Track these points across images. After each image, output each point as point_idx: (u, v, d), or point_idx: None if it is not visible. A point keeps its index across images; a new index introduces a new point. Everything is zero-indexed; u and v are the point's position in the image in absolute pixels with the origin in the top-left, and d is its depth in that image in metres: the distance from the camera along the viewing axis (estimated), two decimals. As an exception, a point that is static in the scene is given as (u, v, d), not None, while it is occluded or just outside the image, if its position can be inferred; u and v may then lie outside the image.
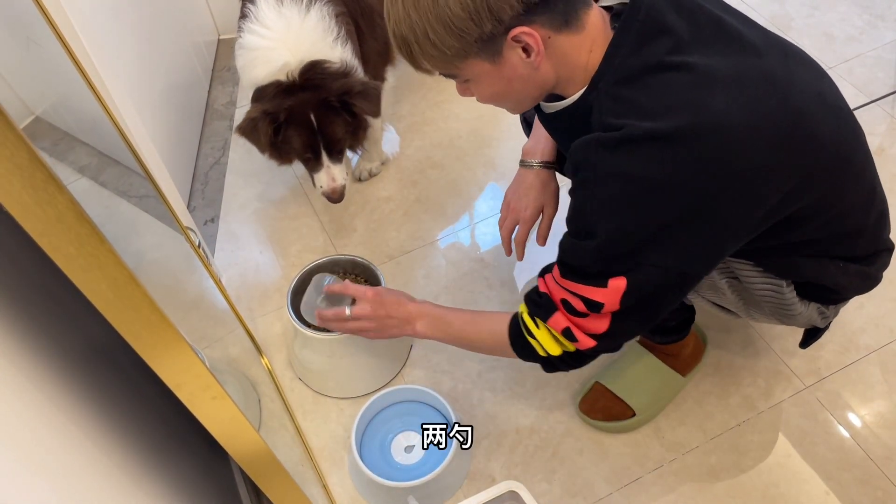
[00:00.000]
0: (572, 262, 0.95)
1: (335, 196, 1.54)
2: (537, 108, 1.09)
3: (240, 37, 1.53)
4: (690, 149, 0.84)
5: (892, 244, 1.13)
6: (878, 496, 1.26)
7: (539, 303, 1.02)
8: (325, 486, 1.34)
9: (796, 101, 0.90)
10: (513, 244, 1.33)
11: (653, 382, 1.36)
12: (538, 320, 1.03)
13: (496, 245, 1.69)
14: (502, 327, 1.09)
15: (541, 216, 1.31)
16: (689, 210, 0.86)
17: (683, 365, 1.38)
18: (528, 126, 1.37)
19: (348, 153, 1.64)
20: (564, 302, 0.98)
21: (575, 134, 0.94)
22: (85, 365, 0.83)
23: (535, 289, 1.04)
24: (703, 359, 1.42)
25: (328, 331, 1.39)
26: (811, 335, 1.22)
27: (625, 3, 0.94)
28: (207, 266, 1.34)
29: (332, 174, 1.51)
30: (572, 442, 1.37)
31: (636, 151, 0.85)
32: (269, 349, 1.55)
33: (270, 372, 1.50)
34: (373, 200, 1.79)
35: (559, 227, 1.07)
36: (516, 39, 0.86)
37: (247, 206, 1.82)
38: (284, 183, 1.85)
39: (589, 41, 0.90)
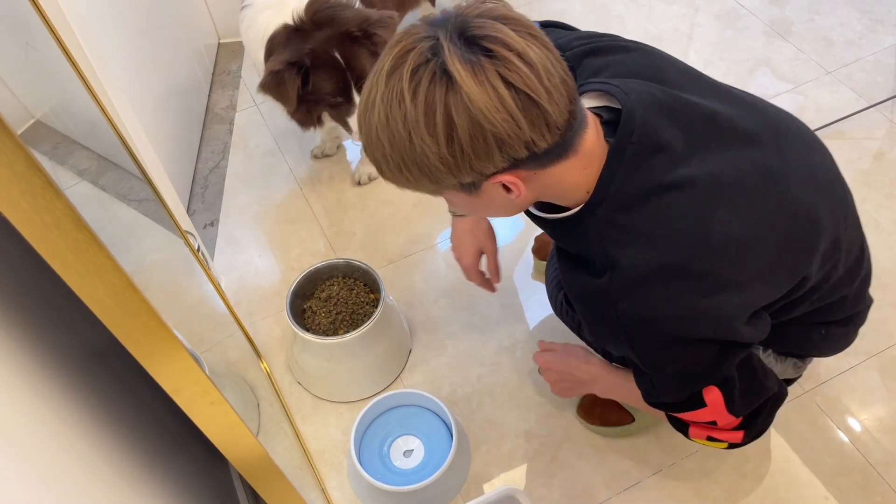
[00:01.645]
0: (663, 399, 0.97)
1: None
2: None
3: (242, 7, 1.51)
4: (703, 275, 0.84)
5: (871, 300, 1.11)
6: (878, 501, 1.26)
7: (674, 420, 1.03)
8: (323, 491, 1.34)
9: (795, 193, 0.89)
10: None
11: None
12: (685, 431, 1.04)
13: (495, 249, 1.69)
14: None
15: (484, 257, 1.32)
16: (720, 324, 0.87)
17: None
18: None
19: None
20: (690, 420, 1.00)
21: (570, 237, 0.94)
22: (82, 369, 0.83)
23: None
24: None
25: (326, 335, 1.39)
26: (786, 382, 1.23)
27: (613, 109, 0.88)
28: (207, 270, 1.34)
29: None
30: (571, 446, 1.37)
31: (652, 291, 0.85)
32: (269, 353, 1.55)
33: (269, 376, 1.50)
34: (372, 204, 1.80)
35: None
36: (497, 181, 0.81)
37: (246, 209, 1.82)
38: (284, 186, 1.85)
39: (584, 161, 0.84)
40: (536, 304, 1.58)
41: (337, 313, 1.44)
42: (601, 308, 0.89)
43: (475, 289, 1.60)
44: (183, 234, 1.28)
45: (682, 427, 1.02)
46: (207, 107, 2.08)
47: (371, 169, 1.83)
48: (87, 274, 0.52)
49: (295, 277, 1.43)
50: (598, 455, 1.35)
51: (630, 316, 0.87)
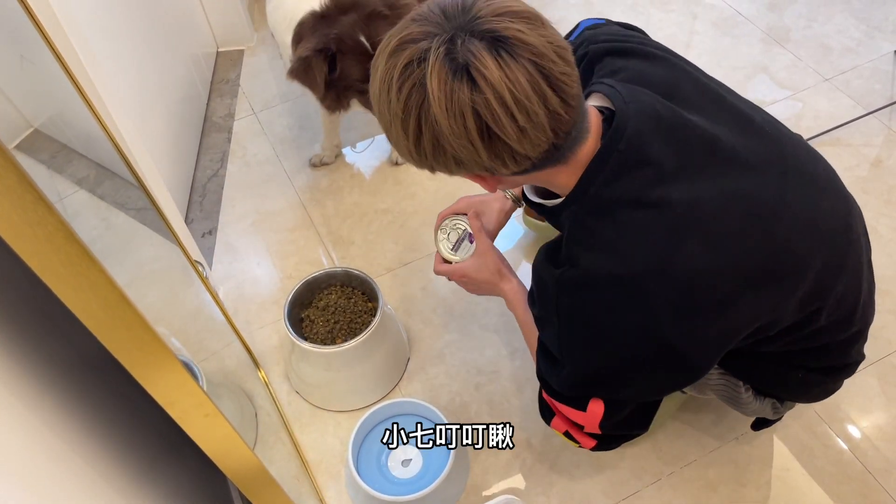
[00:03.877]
0: (550, 383, 1.01)
1: None
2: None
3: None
4: (649, 297, 0.83)
5: (863, 356, 1.09)
6: (878, 510, 1.26)
7: (543, 405, 1.07)
8: (321, 501, 1.34)
9: (782, 232, 0.86)
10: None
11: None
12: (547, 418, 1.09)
13: (494, 257, 1.69)
14: None
15: None
16: (651, 352, 0.88)
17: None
18: None
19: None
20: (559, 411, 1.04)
21: (555, 224, 0.99)
22: (76, 379, 0.83)
23: (541, 390, 1.07)
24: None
25: (325, 344, 1.39)
26: (763, 422, 1.23)
27: (614, 112, 0.86)
28: (203, 279, 1.34)
29: None
30: (570, 455, 1.36)
31: (596, 296, 0.87)
32: (266, 362, 1.54)
33: (267, 385, 1.49)
34: (370, 212, 1.80)
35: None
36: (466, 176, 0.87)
37: (245, 218, 1.82)
38: (282, 195, 1.85)
39: (575, 168, 0.85)
40: (535, 312, 1.58)
41: (335, 322, 1.44)
42: (548, 294, 0.94)
43: (473, 297, 1.61)
44: (181, 245, 1.28)
45: (548, 413, 1.06)
46: (206, 115, 2.08)
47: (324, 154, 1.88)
48: (80, 288, 0.51)
49: (293, 286, 1.43)
50: (597, 464, 1.35)
51: (567, 311, 0.91)
